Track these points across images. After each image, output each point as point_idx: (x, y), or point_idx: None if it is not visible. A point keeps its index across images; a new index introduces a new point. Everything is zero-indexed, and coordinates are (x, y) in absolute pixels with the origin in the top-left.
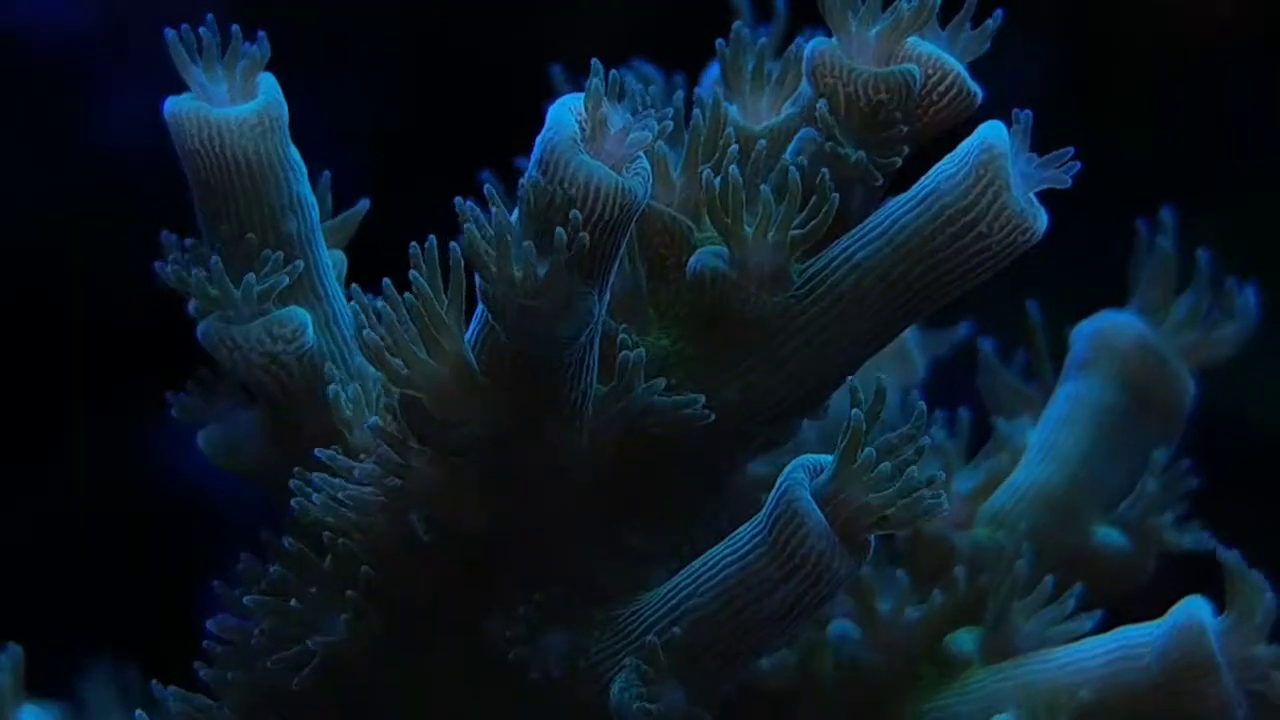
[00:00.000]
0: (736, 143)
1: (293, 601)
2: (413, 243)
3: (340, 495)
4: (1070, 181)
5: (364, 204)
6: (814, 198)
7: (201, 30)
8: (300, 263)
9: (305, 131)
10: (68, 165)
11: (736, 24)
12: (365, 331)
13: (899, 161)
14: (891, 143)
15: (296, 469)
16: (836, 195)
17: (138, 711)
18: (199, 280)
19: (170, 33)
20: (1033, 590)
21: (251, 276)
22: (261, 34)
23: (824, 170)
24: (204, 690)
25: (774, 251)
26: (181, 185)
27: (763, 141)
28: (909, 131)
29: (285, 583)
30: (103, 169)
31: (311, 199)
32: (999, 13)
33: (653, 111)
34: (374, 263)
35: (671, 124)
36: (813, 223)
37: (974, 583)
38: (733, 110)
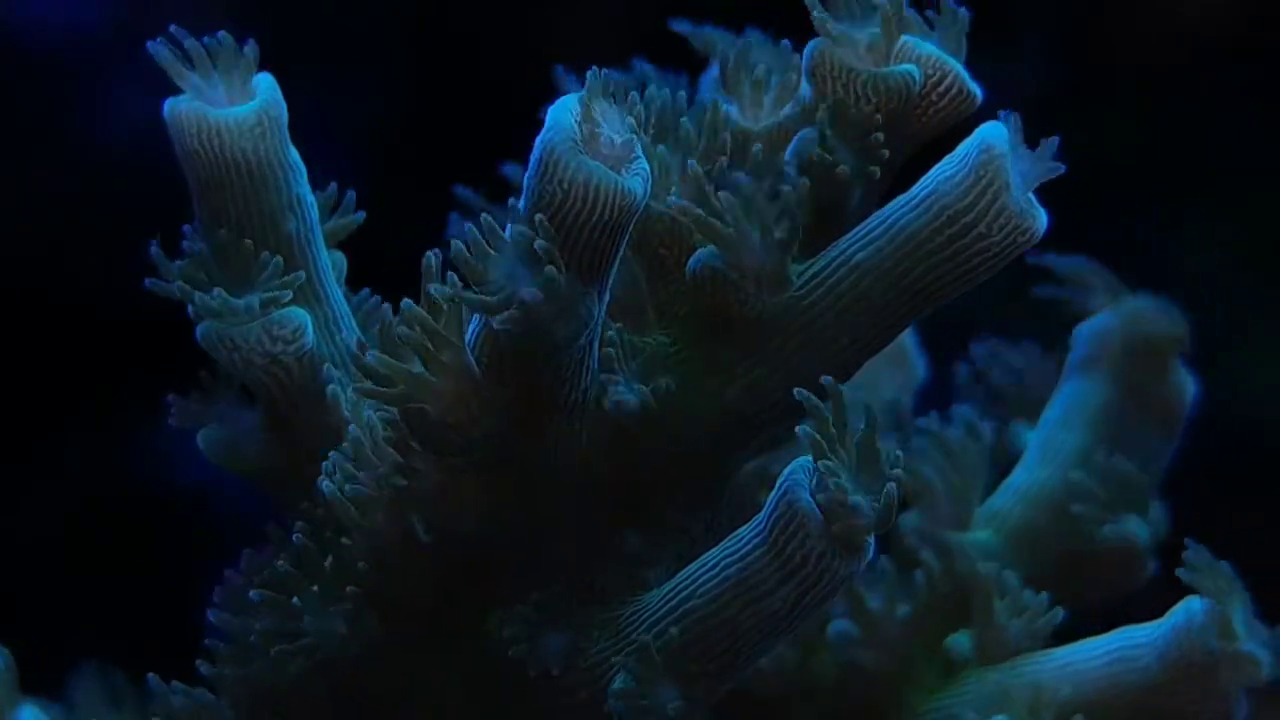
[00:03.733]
0: (735, 143)
1: (294, 599)
2: (427, 253)
3: (346, 488)
4: (1065, 168)
5: (360, 215)
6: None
7: (188, 42)
8: (301, 274)
9: (305, 132)
10: (66, 164)
11: (741, 37)
12: (369, 354)
13: (888, 157)
14: (890, 143)
15: (333, 454)
16: (799, 183)
17: (150, 676)
18: (201, 301)
19: (156, 47)
20: (1017, 591)
21: (255, 298)
22: (250, 40)
23: (803, 179)
24: (205, 686)
25: (767, 252)
26: (181, 185)
27: (758, 146)
28: (910, 132)
29: (288, 579)
30: (102, 168)
31: (311, 199)
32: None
33: (638, 105)
34: (374, 263)
35: (644, 109)
36: (784, 226)
37: (950, 571)
38: (733, 110)
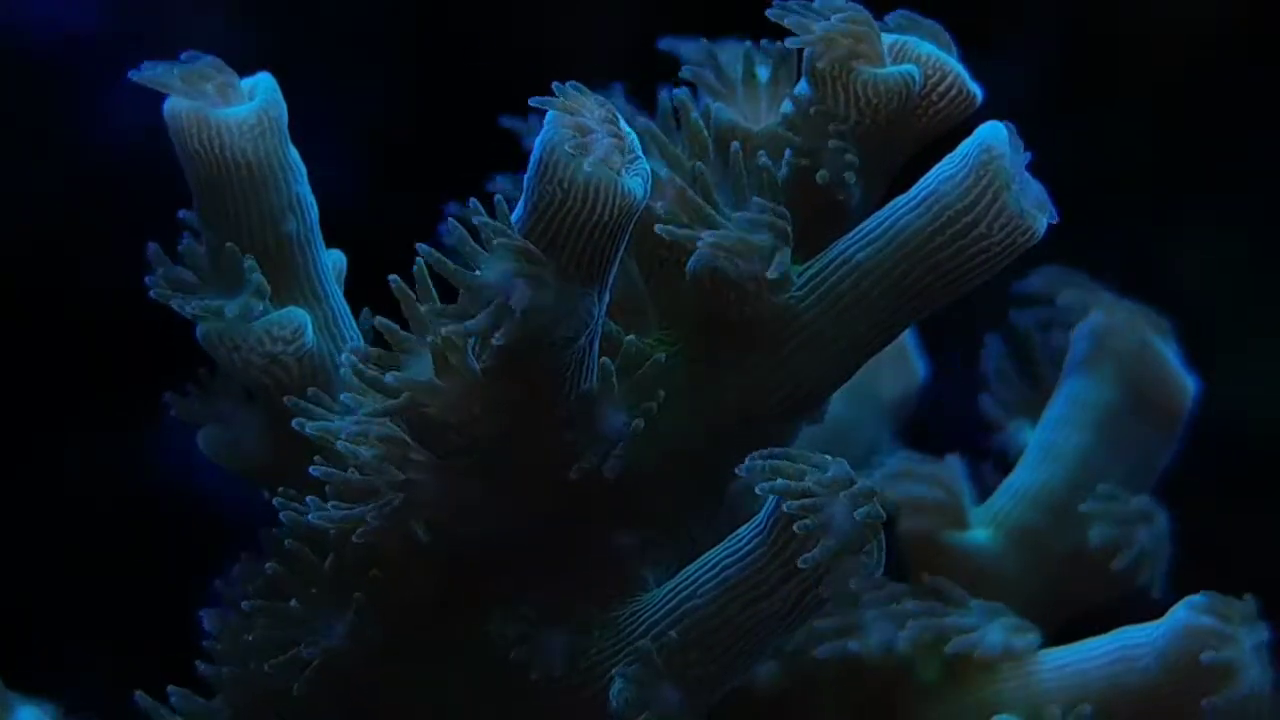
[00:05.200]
0: (737, 144)
1: (292, 602)
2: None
3: (338, 513)
4: (1057, 216)
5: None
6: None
7: (161, 65)
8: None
9: (305, 132)
10: (67, 164)
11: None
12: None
13: (889, 157)
14: (890, 143)
15: (281, 488)
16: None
17: (136, 693)
18: (197, 312)
19: (140, 74)
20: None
21: (243, 300)
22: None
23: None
24: (203, 689)
25: (765, 253)
26: (181, 185)
27: (763, 154)
28: (910, 132)
29: (283, 583)
30: (102, 168)
31: (311, 199)
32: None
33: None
34: (374, 263)
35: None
36: (780, 226)
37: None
38: (730, 113)
